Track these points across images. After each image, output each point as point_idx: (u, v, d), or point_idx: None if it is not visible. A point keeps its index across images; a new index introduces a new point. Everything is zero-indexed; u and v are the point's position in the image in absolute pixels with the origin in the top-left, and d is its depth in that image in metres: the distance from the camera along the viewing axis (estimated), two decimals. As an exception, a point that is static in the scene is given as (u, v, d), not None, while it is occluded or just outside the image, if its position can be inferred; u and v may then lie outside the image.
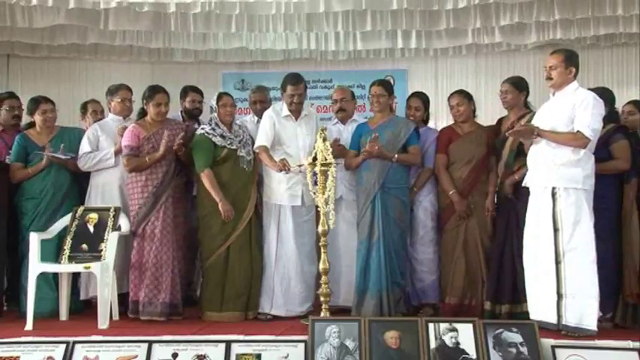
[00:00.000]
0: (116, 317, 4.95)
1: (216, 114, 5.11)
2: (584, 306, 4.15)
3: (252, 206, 5.07)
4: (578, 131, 4.22)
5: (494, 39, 7.52)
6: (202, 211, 5.04)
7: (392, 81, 7.55)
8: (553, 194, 4.28)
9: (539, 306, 4.32)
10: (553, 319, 4.22)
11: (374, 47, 8.02)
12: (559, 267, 4.23)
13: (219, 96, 5.17)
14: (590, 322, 4.13)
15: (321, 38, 7.77)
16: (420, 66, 8.51)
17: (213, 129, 5.05)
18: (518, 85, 5.02)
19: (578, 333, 4.11)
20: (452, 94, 5.32)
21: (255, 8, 6.37)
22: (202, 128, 5.08)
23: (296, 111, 5.24)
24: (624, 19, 6.72)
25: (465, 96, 5.23)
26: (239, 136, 5.13)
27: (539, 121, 4.48)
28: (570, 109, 4.30)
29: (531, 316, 4.34)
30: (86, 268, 4.77)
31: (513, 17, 6.62)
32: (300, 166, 4.84)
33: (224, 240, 4.96)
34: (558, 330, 4.18)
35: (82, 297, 5.29)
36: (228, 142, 5.04)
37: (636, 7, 6.26)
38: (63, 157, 5.19)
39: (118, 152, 5.23)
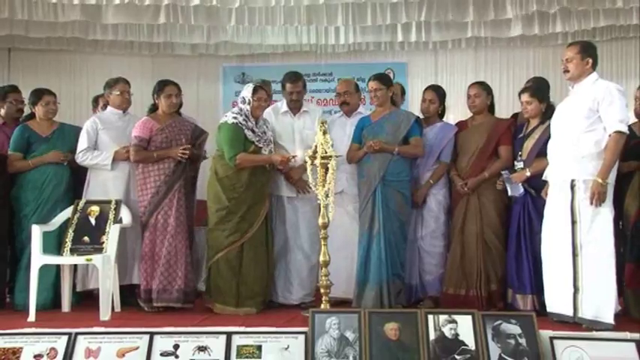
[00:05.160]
0: (118, 309, 4.99)
1: (248, 106, 5.01)
2: (601, 299, 4.14)
3: (268, 204, 5.10)
4: (613, 132, 4.17)
5: (493, 32, 7.52)
6: (218, 205, 4.99)
7: (392, 74, 7.63)
8: (572, 187, 4.27)
9: (556, 299, 4.34)
10: (569, 312, 4.23)
11: (374, 40, 8.04)
12: (576, 260, 4.22)
13: (255, 89, 5.05)
14: (607, 316, 4.11)
15: (321, 31, 7.79)
16: (419, 59, 8.52)
17: (246, 121, 4.99)
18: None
19: (594, 326, 4.10)
20: (472, 85, 5.32)
21: (256, 1, 6.38)
22: (235, 117, 4.97)
23: (295, 107, 5.38)
24: (624, 11, 6.73)
25: (484, 88, 5.24)
26: (265, 134, 5.09)
27: (559, 114, 4.47)
28: (591, 100, 4.25)
29: (548, 309, 4.39)
30: (88, 260, 4.79)
31: (514, 10, 6.62)
32: (293, 157, 4.94)
33: (239, 237, 4.95)
34: (575, 323, 4.19)
35: (79, 289, 5.29)
36: (257, 138, 5.00)
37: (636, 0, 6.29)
38: None
39: (116, 159, 5.27)
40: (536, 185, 4.76)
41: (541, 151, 4.75)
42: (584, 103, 4.29)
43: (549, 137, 4.64)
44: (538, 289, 4.68)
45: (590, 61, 4.38)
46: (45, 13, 6.46)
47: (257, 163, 4.98)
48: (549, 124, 4.68)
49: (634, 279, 4.63)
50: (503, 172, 4.93)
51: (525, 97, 4.91)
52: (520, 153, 4.89)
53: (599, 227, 4.19)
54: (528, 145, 4.87)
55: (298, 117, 5.41)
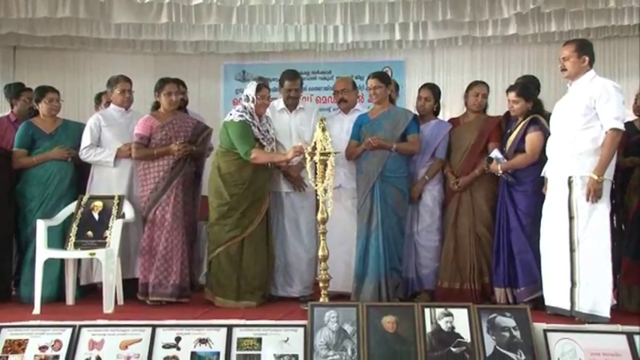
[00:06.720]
0: (121, 302, 5.05)
1: (252, 104, 5.04)
2: (597, 293, 4.19)
3: (268, 201, 5.15)
4: (610, 129, 4.21)
5: (489, 31, 7.57)
6: (219, 201, 5.02)
7: (390, 72, 7.68)
8: (569, 183, 4.31)
9: (554, 293, 4.39)
10: (567, 306, 4.29)
11: (372, 39, 8.09)
12: (573, 255, 4.27)
13: (259, 87, 5.04)
14: (604, 310, 4.17)
15: (320, 30, 7.84)
16: (417, 57, 8.55)
17: (252, 118, 5.01)
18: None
19: (591, 320, 4.15)
20: (477, 83, 5.38)
21: (256, 0, 6.44)
22: (241, 115, 4.98)
23: (292, 105, 5.45)
24: (616, 11, 6.79)
25: (487, 88, 5.33)
26: (268, 132, 5.12)
27: (557, 112, 4.52)
28: (588, 98, 4.29)
29: (546, 303, 4.44)
30: (91, 254, 4.85)
31: (509, 9, 6.68)
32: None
33: (240, 232, 4.99)
34: (572, 317, 4.25)
35: (83, 283, 5.37)
36: (261, 136, 5.03)
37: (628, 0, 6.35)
38: None
39: (118, 156, 5.35)
40: (519, 179, 4.85)
41: (518, 148, 4.85)
42: (581, 100, 4.33)
43: (524, 134, 4.80)
44: (511, 282, 4.80)
45: (587, 59, 4.42)
46: (50, 10, 6.51)
47: (273, 161, 5.04)
48: (529, 121, 4.81)
49: (629, 274, 4.72)
50: (493, 154, 4.98)
51: (512, 95, 4.94)
52: (504, 148, 4.96)
53: (596, 223, 4.24)
54: (510, 140, 4.95)
55: (295, 114, 5.48)
